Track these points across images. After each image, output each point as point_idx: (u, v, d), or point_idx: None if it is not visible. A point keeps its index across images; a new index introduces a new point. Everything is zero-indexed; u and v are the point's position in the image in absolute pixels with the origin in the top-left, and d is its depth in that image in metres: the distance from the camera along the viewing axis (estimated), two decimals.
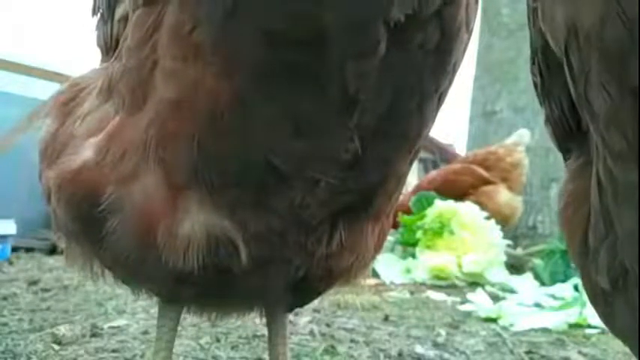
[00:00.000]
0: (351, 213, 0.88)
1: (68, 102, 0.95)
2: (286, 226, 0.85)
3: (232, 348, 1.62)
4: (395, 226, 3.43)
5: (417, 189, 4.06)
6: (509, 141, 4.21)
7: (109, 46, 0.94)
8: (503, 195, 3.99)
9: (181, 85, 0.76)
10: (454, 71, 0.80)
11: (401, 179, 0.92)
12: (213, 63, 0.73)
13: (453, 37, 0.75)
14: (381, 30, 0.69)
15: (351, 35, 0.69)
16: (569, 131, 0.69)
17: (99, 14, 0.98)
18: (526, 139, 4.16)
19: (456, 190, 3.94)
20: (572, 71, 0.52)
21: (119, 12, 0.90)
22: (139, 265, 0.86)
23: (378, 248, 1.00)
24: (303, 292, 0.99)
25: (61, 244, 1.02)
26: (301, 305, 1.14)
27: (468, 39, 0.80)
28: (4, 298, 2.20)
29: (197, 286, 0.89)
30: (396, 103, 0.76)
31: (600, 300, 0.62)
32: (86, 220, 0.87)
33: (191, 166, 0.79)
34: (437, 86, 0.79)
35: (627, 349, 0.65)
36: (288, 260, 0.89)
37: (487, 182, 4.05)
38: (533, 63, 0.72)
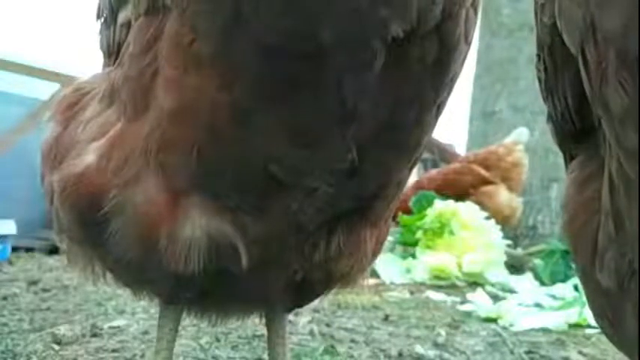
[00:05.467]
0: (349, 219, 0.89)
1: (72, 107, 0.95)
2: (285, 231, 0.85)
3: (232, 348, 1.63)
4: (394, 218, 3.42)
5: (417, 188, 4.05)
6: (508, 140, 4.22)
7: (112, 51, 0.96)
8: (503, 195, 3.98)
9: (182, 94, 0.77)
10: (453, 82, 0.81)
11: (400, 186, 0.92)
12: (212, 74, 0.74)
13: (451, 50, 0.76)
14: (379, 45, 0.70)
15: (349, 50, 0.70)
16: (572, 129, 0.69)
17: (102, 19, 0.99)
18: (525, 137, 4.16)
19: (457, 189, 3.94)
20: (588, 68, 0.52)
21: (122, 17, 0.90)
22: (141, 267, 0.87)
23: (376, 253, 1.01)
24: (302, 294, 1.00)
25: (62, 246, 1.03)
26: (300, 306, 1.15)
27: (467, 50, 0.80)
28: (4, 298, 2.20)
29: (197, 289, 0.90)
30: (394, 114, 0.77)
31: (608, 308, 0.62)
32: (88, 223, 0.88)
33: (191, 172, 0.80)
34: (436, 97, 0.80)
35: None
36: (287, 264, 0.90)
37: (487, 182, 4.05)
38: (538, 60, 0.71)
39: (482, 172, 4.08)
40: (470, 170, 4.13)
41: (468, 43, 0.79)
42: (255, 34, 0.69)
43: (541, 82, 0.73)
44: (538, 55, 0.71)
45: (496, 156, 4.12)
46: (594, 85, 0.52)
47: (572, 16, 0.52)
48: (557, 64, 0.66)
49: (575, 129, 0.69)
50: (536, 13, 0.67)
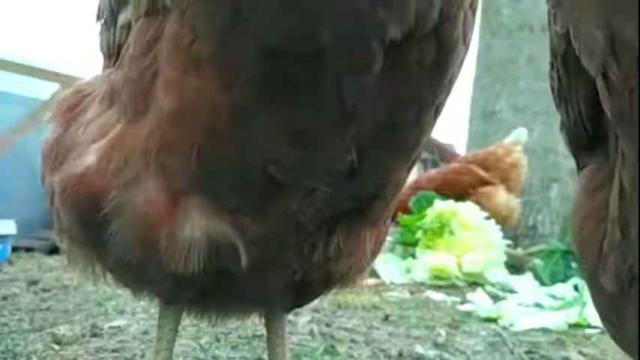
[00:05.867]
0: (349, 219, 0.90)
1: (72, 108, 0.96)
2: (285, 232, 0.86)
3: (232, 348, 1.63)
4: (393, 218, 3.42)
5: (415, 187, 4.05)
6: (507, 141, 4.22)
7: (112, 52, 0.96)
8: (501, 196, 3.99)
9: (181, 95, 0.77)
10: (451, 83, 0.81)
11: (399, 186, 0.92)
12: (212, 75, 0.74)
13: (450, 52, 0.76)
14: (378, 47, 0.70)
15: (348, 52, 0.70)
16: (584, 136, 0.69)
17: (102, 20, 0.99)
18: (524, 138, 4.17)
19: (455, 189, 3.94)
20: (610, 85, 0.51)
21: (122, 19, 0.91)
22: (141, 268, 0.87)
23: (375, 253, 1.01)
24: (301, 294, 1.00)
25: (63, 246, 1.03)
26: (300, 306, 1.15)
27: (466, 52, 0.80)
28: (4, 298, 2.20)
29: (197, 290, 0.90)
30: (393, 115, 0.77)
31: (611, 312, 0.62)
32: (89, 224, 0.88)
33: (191, 173, 0.80)
34: (434, 98, 0.80)
35: None
36: (286, 264, 0.90)
37: (486, 183, 4.06)
38: (551, 68, 0.71)
39: (481, 172, 4.09)
40: (469, 170, 4.14)
41: (466, 45, 0.79)
42: (254, 35, 0.69)
43: (554, 90, 0.73)
44: (551, 64, 0.70)
45: (495, 157, 4.13)
46: (619, 101, 0.51)
47: (590, 35, 0.51)
48: (571, 73, 0.66)
49: (588, 136, 0.69)
50: (549, 22, 0.67)
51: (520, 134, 4.19)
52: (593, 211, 0.64)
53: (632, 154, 0.53)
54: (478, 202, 3.72)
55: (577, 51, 0.56)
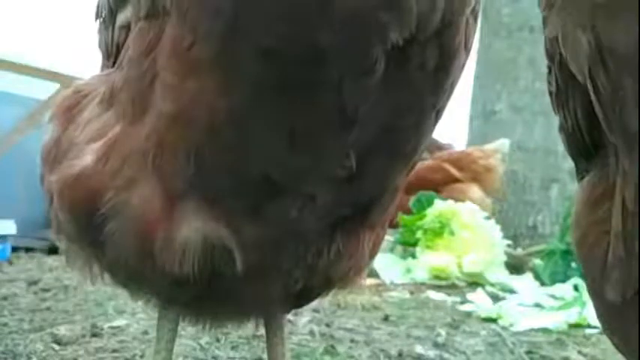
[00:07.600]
0: (347, 224, 0.89)
1: (71, 108, 0.96)
2: (282, 237, 0.85)
3: (232, 348, 1.63)
4: (392, 225, 3.42)
5: None
6: (488, 146, 4.25)
7: (110, 52, 0.96)
8: (475, 193, 4.02)
9: (180, 98, 0.77)
10: (452, 88, 0.81)
11: (397, 190, 0.92)
12: (211, 78, 0.73)
13: (451, 57, 0.75)
14: (379, 52, 0.69)
15: (349, 57, 0.69)
16: (582, 143, 0.68)
17: (101, 19, 0.99)
18: (506, 148, 4.19)
19: (426, 186, 3.95)
20: (599, 94, 0.50)
21: (120, 19, 0.91)
22: (137, 269, 0.87)
23: (372, 255, 1.01)
24: (299, 297, 1.00)
25: (62, 246, 1.03)
26: (299, 307, 1.15)
27: (467, 57, 0.80)
28: (4, 298, 2.20)
29: (193, 293, 0.90)
30: (394, 120, 0.77)
31: (615, 323, 0.62)
32: (86, 224, 0.88)
33: (188, 176, 0.80)
34: (434, 103, 0.80)
35: None
36: (286, 271, 0.90)
37: (457, 181, 4.09)
38: (549, 72, 0.70)
39: (453, 170, 4.12)
40: (441, 168, 4.16)
41: (468, 50, 0.79)
42: (254, 39, 0.69)
43: (552, 94, 0.72)
44: (548, 68, 0.69)
45: (470, 158, 4.17)
46: (609, 111, 0.50)
47: (576, 42, 0.50)
48: (568, 80, 0.65)
49: (586, 145, 0.68)
50: (544, 25, 0.66)
51: (502, 144, 4.21)
52: (594, 224, 0.64)
53: (631, 168, 0.52)
54: (450, 197, 3.72)
55: (565, 58, 0.55)
